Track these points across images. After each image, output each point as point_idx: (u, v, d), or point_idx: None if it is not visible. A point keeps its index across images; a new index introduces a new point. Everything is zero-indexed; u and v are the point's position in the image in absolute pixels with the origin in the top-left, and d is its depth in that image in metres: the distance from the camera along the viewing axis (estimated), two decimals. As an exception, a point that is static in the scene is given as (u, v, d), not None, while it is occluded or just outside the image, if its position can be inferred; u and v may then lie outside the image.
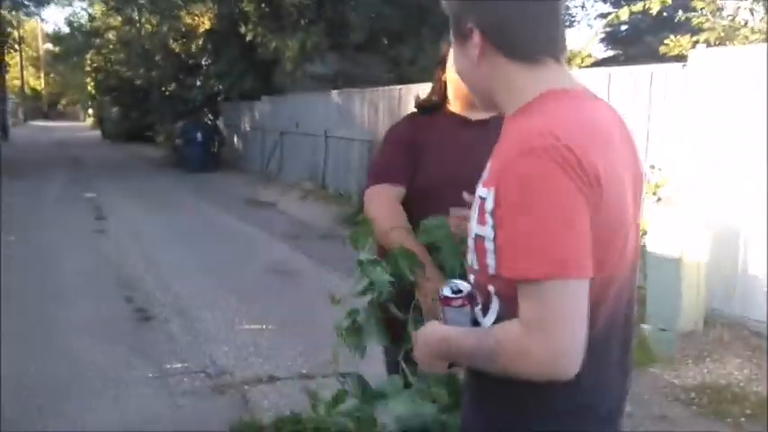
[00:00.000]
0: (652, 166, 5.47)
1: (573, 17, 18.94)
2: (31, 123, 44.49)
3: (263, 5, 15.66)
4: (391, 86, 10.00)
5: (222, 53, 16.94)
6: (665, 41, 6.63)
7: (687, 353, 4.31)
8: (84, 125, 43.67)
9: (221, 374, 3.79)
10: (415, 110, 2.07)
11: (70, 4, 23.35)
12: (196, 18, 19.58)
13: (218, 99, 18.97)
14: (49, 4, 18.03)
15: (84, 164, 17.61)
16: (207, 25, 19.00)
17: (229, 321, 4.66)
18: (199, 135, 16.11)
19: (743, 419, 3.41)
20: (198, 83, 19.92)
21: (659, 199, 5.40)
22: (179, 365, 3.93)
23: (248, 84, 15.63)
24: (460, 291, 1.25)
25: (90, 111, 42.41)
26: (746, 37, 6.41)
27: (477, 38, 1.21)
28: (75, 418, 3.23)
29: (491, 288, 1.17)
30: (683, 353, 4.32)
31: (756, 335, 4.63)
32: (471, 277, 1.25)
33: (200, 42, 19.30)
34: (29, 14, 19.33)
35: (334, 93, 11.87)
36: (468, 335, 1.21)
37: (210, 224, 8.95)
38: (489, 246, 1.14)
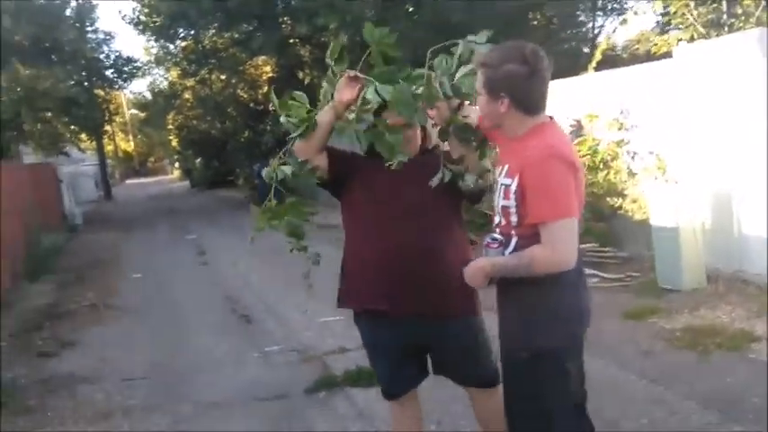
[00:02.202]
0: (651, 152, 6.27)
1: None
2: (127, 182, 48.20)
3: (316, 50, 17.18)
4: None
5: (284, 97, 18.46)
6: (654, 42, 7.48)
7: (686, 305, 5.00)
8: (172, 178, 46.74)
9: (306, 350, 5.03)
10: None
11: (150, 74, 25.54)
12: (259, 68, 21.27)
13: (287, 138, 20.47)
14: (134, 77, 20.22)
15: (179, 211, 19.58)
16: (269, 73, 20.66)
17: (311, 316, 5.62)
18: (273, 174, 17.59)
19: (712, 347, 4.16)
20: (267, 127, 21.73)
21: (656, 178, 6.13)
22: (275, 347, 5.25)
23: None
24: (496, 239, 2.14)
25: (176, 164, 45.28)
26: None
27: (505, 103, 2.05)
28: (206, 386, 4.60)
29: (512, 233, 2.10)
30: (683, 306, 5.00)
31: (753, 286, 5.14)
32: (498, 230, 2.17)
33: (265, 90, 21.01)
34: (119, 88, 21.66)
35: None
36: (510, 258, 2.10)
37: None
38: (512, 211, 2.07)
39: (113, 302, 7.44)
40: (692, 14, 7.33)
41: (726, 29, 7.25)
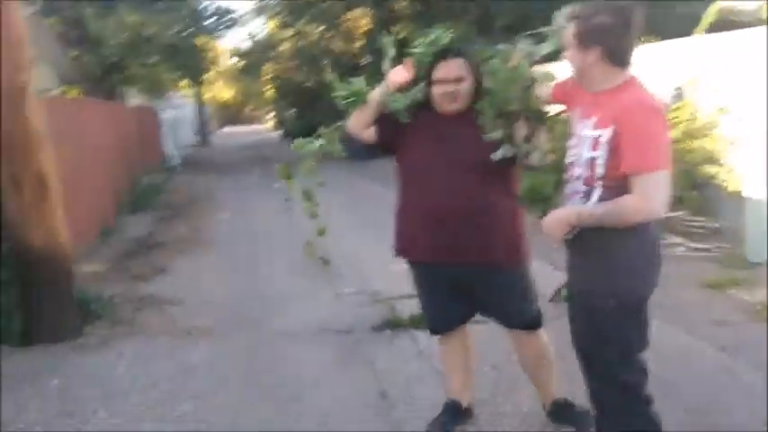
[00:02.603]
0: (753, 122, 5.87)
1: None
2: (224, 130, 50.03)
3: (413, 4, 17.05)
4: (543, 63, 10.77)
5: (379, 51, 18.50)
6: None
7: None
8: (267, 127, 48.09)
9: (377, 294, 5.21)
10: None
11: (249, 24, 26.12)
12: (356, 21, 21.34)
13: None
14: (233, 27, 20.72)
15: (270, 160, 20.19)
16: (365, 27, 20.71)
17: (385, 263, 5.98)
18: (364, 126, 17.84)
19: None
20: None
21: (755, 150, 5.75)
22: (350, 290, 5.47)
23: (405, 75, 17.07)
24: (578, 191, 2.19)
25: (271, 114, 46.43)
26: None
27: (596, 53, 2.10)
28: (279, 316, 4.91)
29: (596, 185, 2.13)
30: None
31: None
32: (579, 182, 2.18)
33: (360, 44, 21.17)
34: (219, 38, 22.34)
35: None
36: (599, 206, 2.13)
37: (372, 196, 10.62)
38: (600, 162, 2.10)
39: (203, 237, 7.93)
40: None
41: None
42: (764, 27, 5.92)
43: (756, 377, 3.38)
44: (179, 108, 29.08)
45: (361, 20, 20.67)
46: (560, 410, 2.89)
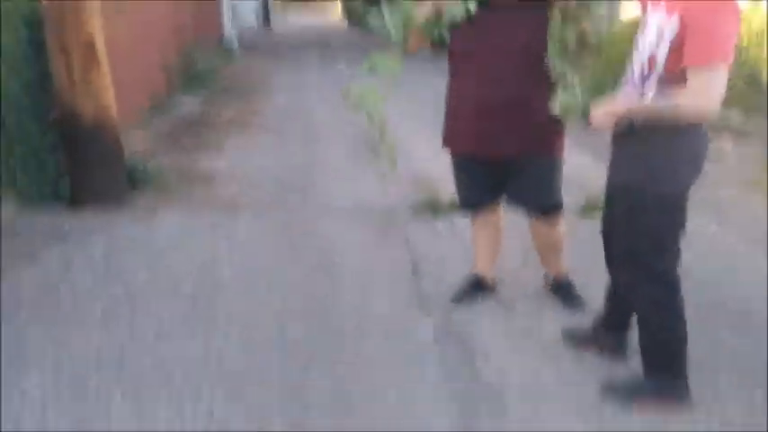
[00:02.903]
0: None
1: None
2: (288, 17, 49.25)
3: None
4: None
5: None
6: None
7: None
8: (333, 17, 47.09)
9: (422, 178, 5.13)
10: None
11: None
12: None
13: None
14: None
15: (334, 46, 19.88)
16: None
17: (433, 150, 5.95)
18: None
19: None
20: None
21: None
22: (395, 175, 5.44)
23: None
24: (635, 83, 2.13)
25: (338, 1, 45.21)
26: None
27: None
28: (323, 193, 4.95)
29: (655, 75, 2.07)
30: None
31: None
32: (638, 72, 2.14)
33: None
34: None
35: None
36: (654, 100, 2.08)
37: (428, 85, 10.32)
38: (662, 52, 2.02)
39: (255, 120, 7.85)
40: None
41: None
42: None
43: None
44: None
45: None
46: (559, 286, 3.11)
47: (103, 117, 4.49)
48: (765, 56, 6.37)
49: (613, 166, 2.34)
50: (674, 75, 2.02)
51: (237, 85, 10.91)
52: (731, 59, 1.98)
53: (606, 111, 2.17)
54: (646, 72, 2.12)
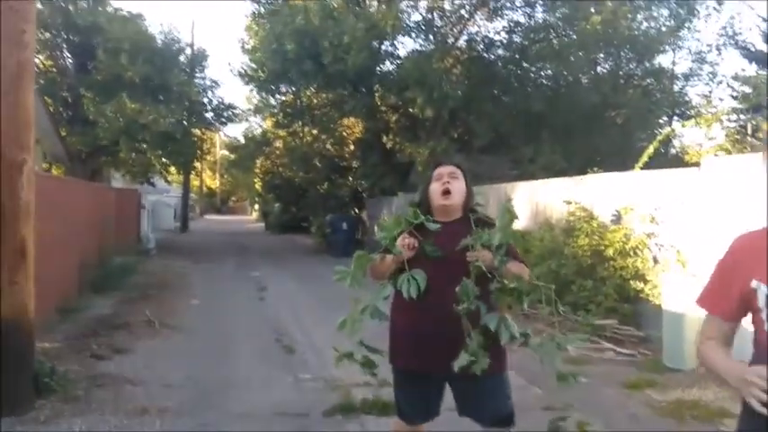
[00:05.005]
0: (673, 246, 6.83)
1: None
2: (206, 217, 50.28)
3: (402, 119, 18.06)
4: (513, 182, 11.28)
5: (367, 158, 19.37)
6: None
7: (682, 383, 5.42)
8: (251, 218, 48.50)
9: (334, 381, 5.22)
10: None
11: (247, 120, 27.05)
12: (348, 128, 22.25)
13: (363, 195, 21.28)
14: (231, 122, 21.31)
15: (249, 250, 20.37)
16: (357, 134, 21.59)
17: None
18: (344, 225, 18.26)
19: (689, 418, 4.62)
20: (348, 181, 22.52)
21: (675, 270, 6.67)
22: (308, 376, 5.55)
23: (388, 182, 17.75)
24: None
25: (256, 206, 46.95)
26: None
27: None
28: (236, 399, 4.90)
29: None
30: (679, 383, 5.43)
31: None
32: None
33: (351, 148, 21.96)
34: (215, 130, 22.80)
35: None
36: None
37: (347, 294, 10.68)
38: None
39: (169, 322, 7.85)
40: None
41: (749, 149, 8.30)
42: (685, 169, 7.10)
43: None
44: (163, 193, 29.35)
45: (355, 127, 21.63)
46: None
47: (22, 322, 4.44)
48: (629, 269, 7.25)
49: None
50: None
51: (152, 285, 10.94)
52: None
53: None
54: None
